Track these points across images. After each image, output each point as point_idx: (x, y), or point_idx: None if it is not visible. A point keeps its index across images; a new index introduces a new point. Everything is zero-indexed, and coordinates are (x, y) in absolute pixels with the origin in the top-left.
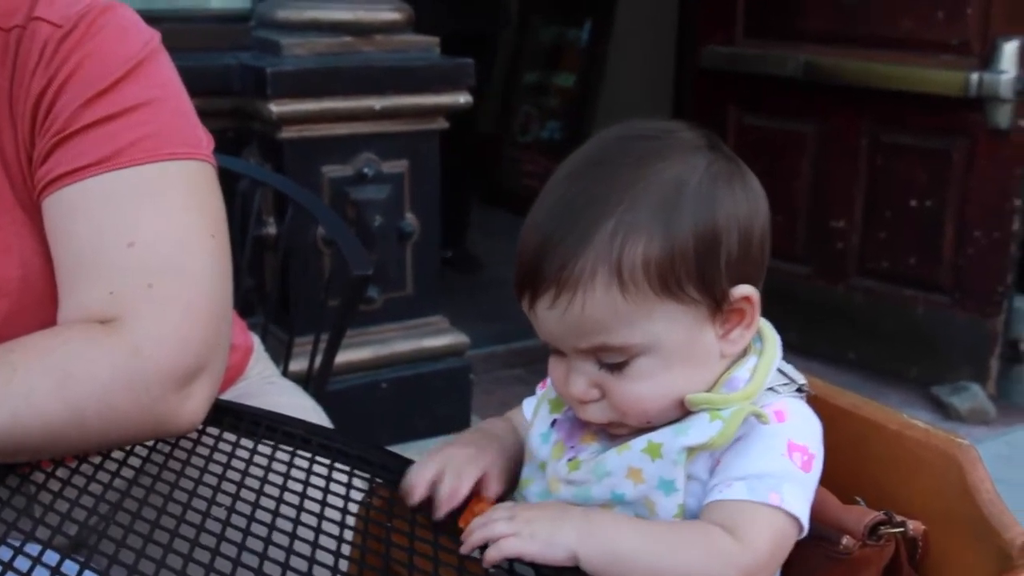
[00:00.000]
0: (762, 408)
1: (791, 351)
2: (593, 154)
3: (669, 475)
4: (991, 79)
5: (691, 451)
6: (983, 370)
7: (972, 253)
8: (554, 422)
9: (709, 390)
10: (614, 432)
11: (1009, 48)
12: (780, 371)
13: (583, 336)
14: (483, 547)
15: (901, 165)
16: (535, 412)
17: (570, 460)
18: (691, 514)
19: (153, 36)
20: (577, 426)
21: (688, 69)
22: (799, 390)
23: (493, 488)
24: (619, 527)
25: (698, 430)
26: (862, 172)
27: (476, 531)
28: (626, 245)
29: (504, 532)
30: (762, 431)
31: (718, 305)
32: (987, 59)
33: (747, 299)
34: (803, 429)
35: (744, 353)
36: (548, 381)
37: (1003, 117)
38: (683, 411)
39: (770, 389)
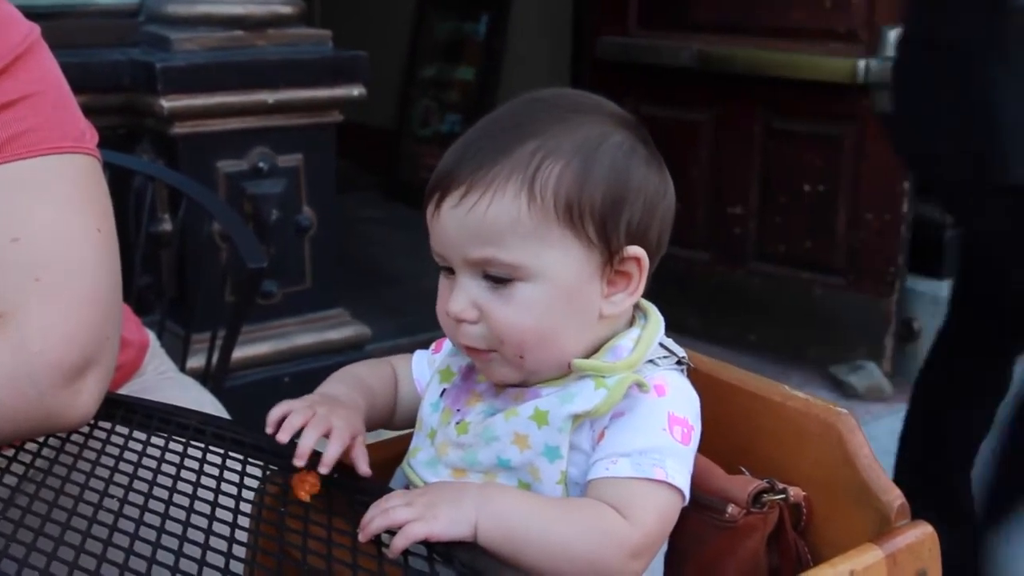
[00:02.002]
0: (644, 378)
1: (693, 336)
2: (527, 98)
3: (554, 442)
4: (878, 66)
5: (576, 418)
6: (879, 349)
7: (865, 236)
8: (443, 392)
9: (592, 355)
10: (497, 377)
11: (894, 35)
12: (661, 345)
13: (478, 241)
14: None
15: (794, 151)
16: (427, 386)
17: (458, 423)
18: (572, 482)
19: (32, 29)
20: (463, 391)
21: (585, 60)
22: (679, 363)
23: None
24: (514, 504)
25: (583, 398)
26: (757, 159)
27: (376, 519)
28: (543, 163)
29: (407, 517)
30: (644, 405)
31: (610, 257)
32: (874, 46)
33: (637, 261)
34: (682, 402)
35: (628, 325)
36: (442, 349)
37: (890, 102)
38: (561, 370)
39: (651, 362)
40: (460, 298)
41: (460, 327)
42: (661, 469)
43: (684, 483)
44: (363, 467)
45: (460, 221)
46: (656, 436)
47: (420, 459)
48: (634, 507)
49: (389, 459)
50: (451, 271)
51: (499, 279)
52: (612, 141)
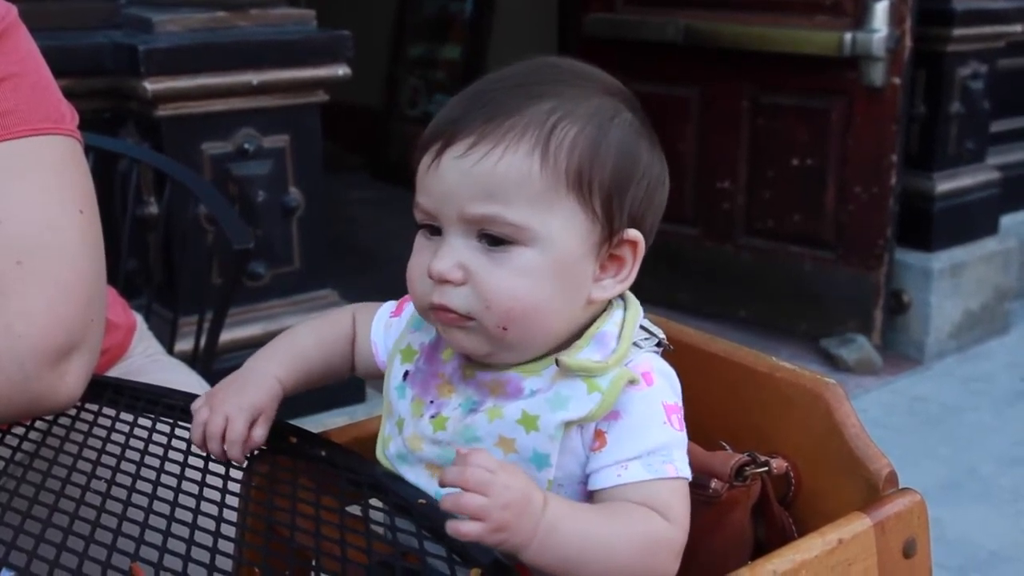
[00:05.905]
0: (629, 366)
1: (683, 312)
2: (536, 61)
3: (544, 449)
4: (864, 38)
5: (568, 425)
6: (868, 322)
7: (853, 209)
8: (406, 374)
9: (575, 340)
10: (465, 347)
11: (880, 7)
12: (641, 327)
13: (483, 196)
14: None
15: (782, 125)
16: (389, 362)
17: (433, 417)
18: (557, 485)
19: (9, 10)
20: (430, 376)
21: (571, 38)
22: (658, 344)
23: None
24: (571, 532)
25: (577, 403)
26: (745, 134)
27: (447, 501)
28: (560, 124)
29: (474, 511)
30: (639, 402)
31: (610, 236)
32: (860, 19)
33: (633, 246)
34: (669, 388)
35: (607, 307)
36: (401, 313)
37: (877, 75)
38: (537, 352)
39: (633, 344)
40: (447, 257)
41: (440, 289)
42: (671, 465)
43: (688, 471)
44: (256, 439)
45: (464, 172)
46: (659, 433)
47: (392, 451)
48: (669, 507)
49: (363, 438)
50: (433, 231)
51: (495, 241)
52: (623, 118)
